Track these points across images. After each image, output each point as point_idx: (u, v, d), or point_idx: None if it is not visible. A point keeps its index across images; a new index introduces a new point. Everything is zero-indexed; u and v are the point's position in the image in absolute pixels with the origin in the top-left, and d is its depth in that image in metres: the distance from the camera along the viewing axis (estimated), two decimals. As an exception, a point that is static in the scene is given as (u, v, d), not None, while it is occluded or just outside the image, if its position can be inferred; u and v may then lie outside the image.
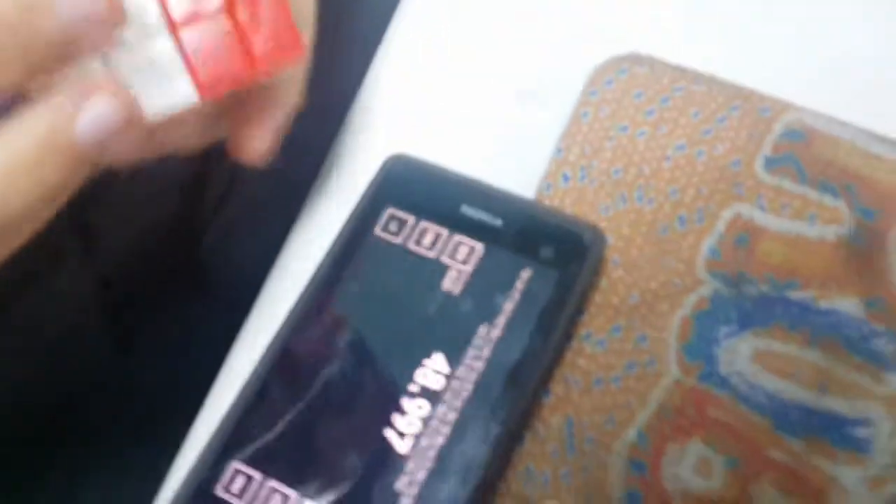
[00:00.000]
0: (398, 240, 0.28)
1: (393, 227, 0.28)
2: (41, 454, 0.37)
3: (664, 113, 0.30)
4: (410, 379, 0.25)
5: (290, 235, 0.31)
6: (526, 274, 0.27)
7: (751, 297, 0.28)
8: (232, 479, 0.25)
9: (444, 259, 0.27)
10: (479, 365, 0.26)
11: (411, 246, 0.28)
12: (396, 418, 0.25)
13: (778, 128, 0.30)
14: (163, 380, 0.37)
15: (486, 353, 0.26)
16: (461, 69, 0.34)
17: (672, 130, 0.30)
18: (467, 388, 0.25)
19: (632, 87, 0.31)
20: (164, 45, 0.22)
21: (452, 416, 0.25)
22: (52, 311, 0.37)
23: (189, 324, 0.36)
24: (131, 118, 0.20)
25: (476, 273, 0.27)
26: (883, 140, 0.30)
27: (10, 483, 0.36)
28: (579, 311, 0.27)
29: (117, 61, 0.22)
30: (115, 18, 0.20)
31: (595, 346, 0.27)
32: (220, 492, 0.24)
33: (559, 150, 0.30)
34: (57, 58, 0.20)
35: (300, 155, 0.30)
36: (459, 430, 0.25)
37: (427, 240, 0.28)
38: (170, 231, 0.41)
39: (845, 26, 0.33)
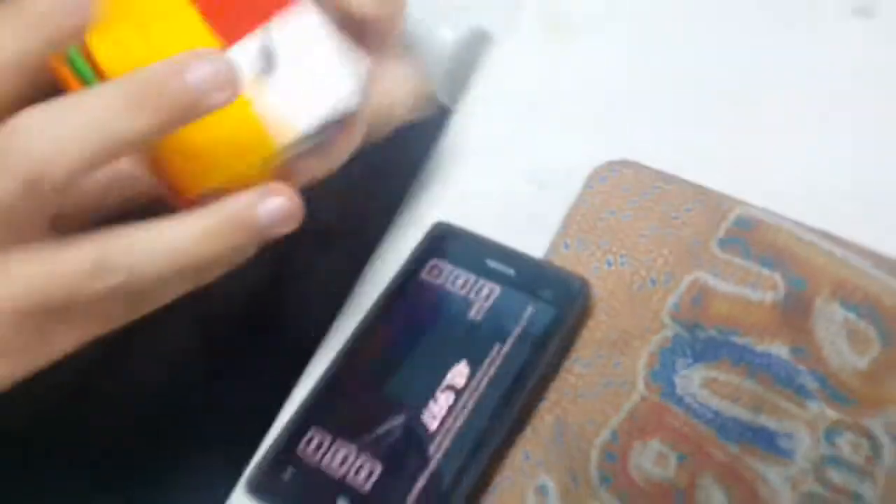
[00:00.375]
0: (438, 282, 0.37)
1: (435, 273, 0.38)
2: (127, 465, 0.45)
3: (643, 203, 0.40)
4: (443, 378, 0.34)
5: (356, 281, 0.40)
6: (530, 309, 0.36)
7: (703, 339, 0.36)
8: (308, 443, 0.33)
9: (471, 296, 0.37)
10: (492, 371, 0.34)
11: (447, 286, 0.37)
12: (430, 405, 0.34)
13: (731, 217, 0.39)
14: (242, 402, 0.45)
15: (498, 363, 0.34)
16: (497, 161, 0.44)
17: (648, 216, 0.40)
18: (482, 387, 0.34)
19: (621, 183, 0.41)
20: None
21: (470, 406, 0.33)
22: (159, 341, 0.46)
23: (265, 353, 0.45)
24: (296, 212, 0.29)
25: (493, 307, 0.36)
26: (811, 230, 0.39)
27: (108, 487, 0.44)
28: (569, 339, 0.36)
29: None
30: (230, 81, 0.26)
31: (582, 367, 0.36)
32: (299, 452, 0.33)
33: (563, 226, 0.40)
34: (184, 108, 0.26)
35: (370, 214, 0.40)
36: (474, 416, 0.33)
37: (459, 282, 0.37)
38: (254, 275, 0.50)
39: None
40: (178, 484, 0.40)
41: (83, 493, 0.44)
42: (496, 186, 0.43)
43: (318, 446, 0.33)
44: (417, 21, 0.39)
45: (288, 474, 0.33)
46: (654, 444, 0.34)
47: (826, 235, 0.38)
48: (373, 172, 0.58)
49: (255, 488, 0.33)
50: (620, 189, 0.41)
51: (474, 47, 0.47)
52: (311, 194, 0.53)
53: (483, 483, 0.33)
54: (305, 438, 0.33)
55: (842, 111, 0.43)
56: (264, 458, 0.33)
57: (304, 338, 0.39)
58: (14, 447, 0.43)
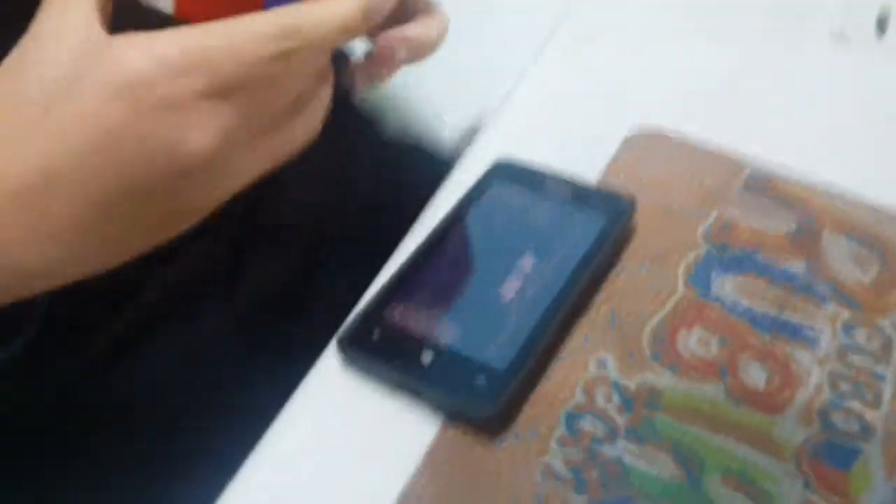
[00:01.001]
0: (505, 195, 0.43)
1: (501, 189, 0.43)
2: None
3: (672, 161, 0.47)
4: (513, 265, 0.39)
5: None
6: (587, 218, 0.41)
7: (730, 256, 0.42)
8: (394, 309, 0.37)
9: (534, 207, 0.42)
10: (554, 263, 0.39)
11: (514, 199, 0.43)
12: (504, 283, 0.38)
13: (748, 171, 0.46)
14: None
15: (558, 257, 0.39)
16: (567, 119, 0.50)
17: (677, 170, 0.46)
18: (546, 275, 0.38)
19: (650, 144, 0.47)
20: None
21: (536, 288, 0.38)
22: (192, 330, 0.48)
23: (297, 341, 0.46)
24: None
25: (553, 215, 0.41)
26: (817, 182, 0.45)
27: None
28: (619, 244, 0.41)
29: None
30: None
31: (628, 275, 0.41)
32: (385, 316, 0.37)
33: (604, 174, 0.46)
34: None
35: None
36: (540, 296, 0.37)
37: (523, 197, 0.43)
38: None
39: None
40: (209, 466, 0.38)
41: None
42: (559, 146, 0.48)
43: (404, 312, 0.37)
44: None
45: (376, 334, 0.36)
46: (697, 331, 0.39)
47: (830, 186, 0.45)
48: (400, 167, 0.63)
49: (345, 345, 0.36)
50: (650, 150, 0.47)
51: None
52: (341, 190, 0.58)
53: (550, 354, 0.37)
54: (391, 305, 0.37)
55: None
56: (353, 320, 0.37)
57: (335, 325, 0.39)
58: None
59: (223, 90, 0.28)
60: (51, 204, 0.28)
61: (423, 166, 0.63)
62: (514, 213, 0.42)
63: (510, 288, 0.38)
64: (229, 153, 0.29)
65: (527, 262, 0.39)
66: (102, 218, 0.29)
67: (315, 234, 0.55)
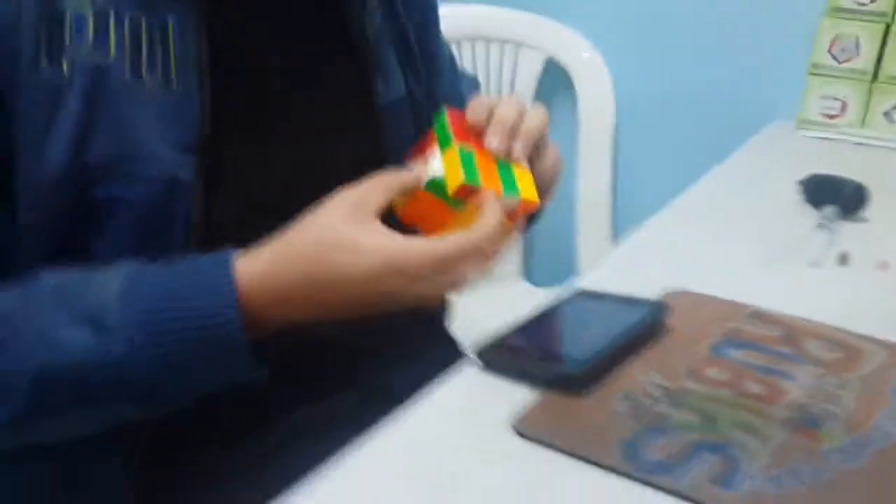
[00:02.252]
0: (587, 303, 0.65)
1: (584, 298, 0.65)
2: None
3: (695, 308, 0.69)
4: (591, 324, 0.60)
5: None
6: (638, 309, 0.62)
7: (738, 342, 0.62)
8: (513, 337, 0.58)
9: (605, 307, 0.64)
10: (616, 326, 0.60)
11: (593, 304, 0.65)
12: (584, 332, 0.59)
13: (750, 310, 0.67)
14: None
15: (619, 323, 0.60)
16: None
17: (698, 311, 0.68)
18: (610, 331, 0.59)
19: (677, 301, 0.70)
20: None
21: (602, 335, 0.59)
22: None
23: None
24: None
25: (618, 309, 0.63)
26: (798, 316, 0.66)
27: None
28: (657, 319, 0.62)
29: None
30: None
31: (666, 346, 0.61)
32: (507, 340, 0.58)
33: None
34: None
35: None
36: (603, 338, 0.58)
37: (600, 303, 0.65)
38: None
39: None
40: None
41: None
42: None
43: (520, 338, 0.58)
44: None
45: (504, 348, 0.57)
46: (715, 369, 0.58)
47: (808, 319, 0.66)
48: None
49: (483, 352, 0.56)
50: (683, 297, 0.70)
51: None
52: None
53: (611, 366, 0.56)
54: (512, 336, 0.58)
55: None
56: (486, 341, 0.58)
57: None
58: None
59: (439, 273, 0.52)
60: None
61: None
62: (591, 307, 0.64)
63: (586, 333, 0.59)
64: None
65: (598, 326, 0.60)
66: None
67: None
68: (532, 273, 1.63)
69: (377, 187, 0.54)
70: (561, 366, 0.54)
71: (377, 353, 0.69)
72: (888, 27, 1.30)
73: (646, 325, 0.61)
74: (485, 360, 0.57)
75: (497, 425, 0.51)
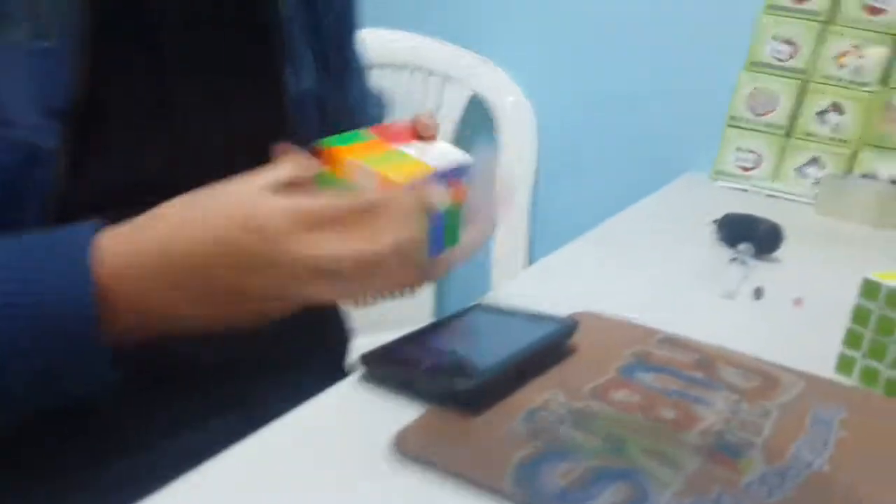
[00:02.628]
0: (488, 314, 0.59)
1: (483, 309, 0.59)
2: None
3: (603, 331, 0.63)
4: (492, 339, 0.54)
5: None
6: (545, 326, 0.56)
7: (649, 365, 0.56)
8: (401, 345, 0.51)
9: (505, 319, 0.58)
10: (521, 340, 0.53)
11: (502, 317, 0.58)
12: (480, 344, 0.52)
13: (661, 335, 0.62)
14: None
15: (524, 337, 0.54)
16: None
17: (608, 338, 0.63)
18: (512, 345, 0.53)
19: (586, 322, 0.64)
20: None
21: (501, 348, 0.52)
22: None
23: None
24: None
25: (525, 324, 0.57)
26: (708, 343, 0.62)
27: None
28: (564, 336, 0.56)
29: None
30: None
31: (572, 367, 0.55)
32: (394, 348, 0.51)
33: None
34: None
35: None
36: (503, 351, 0.51)
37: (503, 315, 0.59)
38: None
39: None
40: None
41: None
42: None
43: (409, 347, 0.51)
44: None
45: (388, 356, 0.50)
46: (623, 392, 0.52)
47: (721, 346, 0.61)
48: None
49: (367, 359, 0.49)
50: (593, 319, 0.64)
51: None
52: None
53: (511, 386, 0.50)
54: (401, 345, 0.51)
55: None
56: (372, 349, 0.50)
57: None
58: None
59: (323, 223, 0.45)
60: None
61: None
62: (493, 320, 0.58)
63: (485, 347, 0.52)
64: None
65: (498, 341, 0.54)
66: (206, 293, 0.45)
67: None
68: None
69: (283, 166, 0.49)
70: (452, 379, 0.47)
71: (258, 369, 0.61)
72: (805, 83, 1.32)
73: (551, 343, 0.55)
74: (369, 370, 0.50)
75: (377, 443, 0.44)
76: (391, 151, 0.53)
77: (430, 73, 1.54)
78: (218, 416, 0.58)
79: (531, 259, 1.56)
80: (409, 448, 0.43)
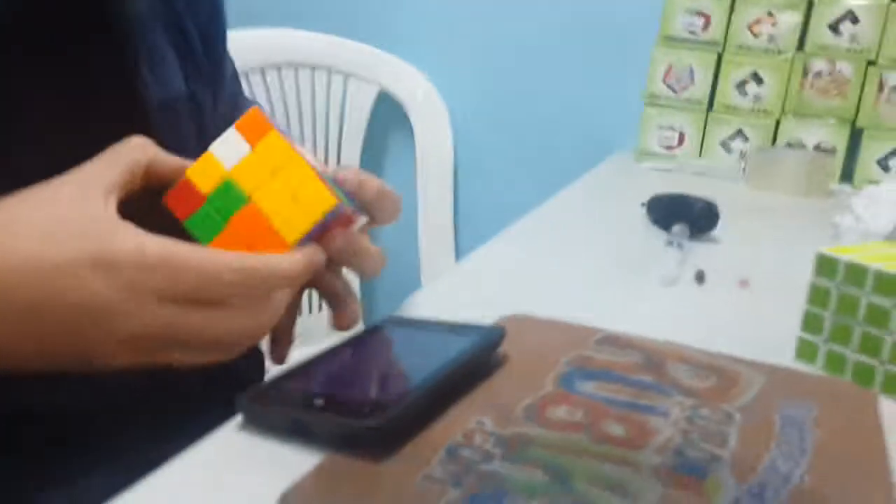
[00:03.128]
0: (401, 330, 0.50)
1: (396, 327, 0.50)
2: None
3: (539, 334, 0.55)
4: (401, 360, 0.44)
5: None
6: (465, 338, 0.48)
7: (589, 371, 0.48)
8: (288, 381, 0.42)
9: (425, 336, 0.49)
10: (435, 358, 0.45)
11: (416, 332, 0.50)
12: (392, 369, 0.43)
13: (600, 335, 0.54)
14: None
15: (440, 355, 0.45)
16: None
17: (543, 339, 0.54)
18: (427, 365, 0.44)
19: (520, 326, 0.56)
20: None
21: (417, 371, 0.43)
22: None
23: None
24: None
25: (442, 338, 0.48)
26: (656, 339, 0.54)
27: None
28: (490, 348, 0.48)
29: None
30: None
31: (503, 380, 0.46)
32: (281, 384, 0.41)
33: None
34: None
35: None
36: (419, 373, 0.43)
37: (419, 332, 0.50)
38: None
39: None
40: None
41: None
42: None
43: (298, 382, 0.41)
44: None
45: (272, 395, 0.40)
46: (563, 407, 0.44)
47: (666, 341, 0.54)
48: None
49: (245, 401, 0.40)
50: (524, 324, 0.56)
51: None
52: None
53: (430, 414, 0.41)
54: (288, 381, 0.42)
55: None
56: (251, 388, 0.41)
57: None
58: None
59: (177, 296, 0.37)
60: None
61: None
62: (406, 337, 0.49)
63: (395, 372, 0.43)
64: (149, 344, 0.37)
65: (411, 362, 0.45)
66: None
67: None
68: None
69: (119, 160, 0.40)
70: (354, 417, 0.38)
71: (143, 419, 0.50)
72: (721, 55, 1.27)
73: (474, 357, 0.46)
74: (248, 414, 0.40)
75: (259, 508, 0.34)
76: (292, 161, 0.43)
77: (333, 70, 1.44)
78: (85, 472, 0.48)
79: (458, 257, 1.48)
80: (298, 512, 0.34)
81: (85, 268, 0.35)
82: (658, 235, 0.83)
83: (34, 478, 0.46)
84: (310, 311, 1.48)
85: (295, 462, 0.37)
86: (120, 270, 0.35)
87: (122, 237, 0.36)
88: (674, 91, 1.30)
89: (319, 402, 0.39)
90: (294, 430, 0.39)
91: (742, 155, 1.25)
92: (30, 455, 0.47)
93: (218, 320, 0.38)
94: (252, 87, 1.38)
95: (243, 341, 0.40)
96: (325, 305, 0.49)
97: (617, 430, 0.41)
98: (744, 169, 1.19)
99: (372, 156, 1.50)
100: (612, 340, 0.53)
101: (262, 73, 1.40)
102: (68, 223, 0.37)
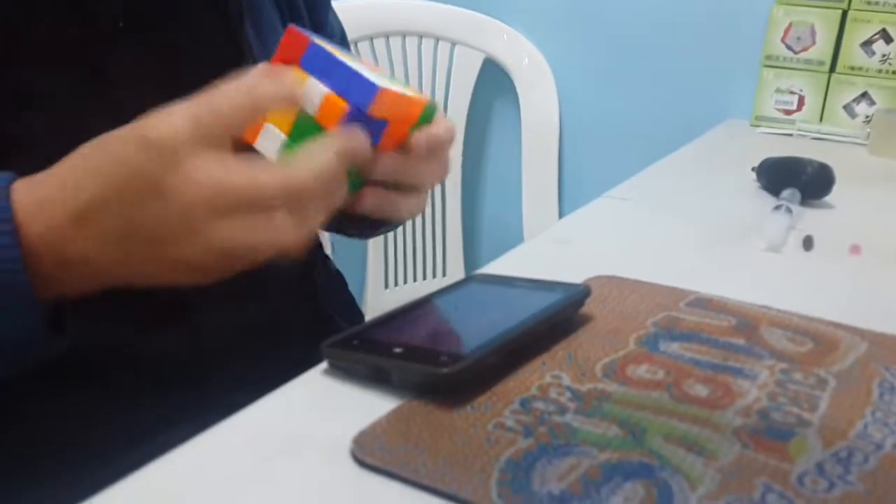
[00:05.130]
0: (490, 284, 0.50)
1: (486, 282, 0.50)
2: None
3: (624, 295, 0.54)
4: (485, 314, 0.45)
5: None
6: (550, 294, 0.47)
7: (677, 333, 0.47)
8: (371, 330, 0.43)
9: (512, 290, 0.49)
10: (518, 313, 0.45)
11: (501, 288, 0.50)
12: (473, 321, 0.44)
13: (690, 297, 0.53)
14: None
15: (522, 311, 0.45)
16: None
17: (630, 300, 0.53)
18: (510, 319, 0.44)
19: (608, 284, 0.55)
20: None
21: (499, 325, 0.43)
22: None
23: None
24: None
25: (528, 293, 0.48)
26: (750, 302, 0.52)
27: None
28: (574, 306, 0.47)
29: None
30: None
31: (586, 337, 0.46)
32: (365, 335, 0.42)
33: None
34: None
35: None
36: (499, 327, 0.43)
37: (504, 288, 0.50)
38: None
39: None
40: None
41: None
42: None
43: (379, 331, 0.43)
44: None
45: (355, 342, 0.41)
46: (645, 366, 0.43)
47: (761, 305, 0.52)
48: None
49: (329, 347, 0.41)
50: (612, 283, 0.55)
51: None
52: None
53: (506, 368, 0.41)
54: (370, 330, 0.43)
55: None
56: (335, 337, 0.42)
57: None
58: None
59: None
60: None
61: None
62: (491, 292, 0.49)
63: (475, 325, 0.44)
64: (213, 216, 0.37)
65: (491, 317, 0.45)
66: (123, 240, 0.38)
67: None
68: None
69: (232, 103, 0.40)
70: (430, 364, 0.38)
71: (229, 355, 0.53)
72: (844, 14, 1.19)
73: (556, 314, 0.46)
74: (332, 360, 0.42)
75: (336, 450, 0.36)
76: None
77: (440, 38, 1.44)
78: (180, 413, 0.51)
79: (563, 216, 1.47)
80: (368, 455, 0.35)
81: (131, 151, 0.37)
82: (767, 201, 0.79)
83: (128, 417, 0.49)
84: (424, 277, 1.51)
85: (375, 407, 0.38)
86: (160, 142, 0.37)
87: (161, 118, 0.37)
88: (793, 52, 1.23)
89: (399, 349, 0.40)
90: (374, 377, 0.40)
91: (867, 119, 1.17)
92: (120, 394, 0.50)
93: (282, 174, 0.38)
94: (361, 55, 1.40)
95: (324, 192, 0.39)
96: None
97: (700, 390, 0.40)
98: (868, 134, 1.12)
99: (477, 122, 1.50)
100: (704, 303, 0.52)
101: (371, 41, 1.42)
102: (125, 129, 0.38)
